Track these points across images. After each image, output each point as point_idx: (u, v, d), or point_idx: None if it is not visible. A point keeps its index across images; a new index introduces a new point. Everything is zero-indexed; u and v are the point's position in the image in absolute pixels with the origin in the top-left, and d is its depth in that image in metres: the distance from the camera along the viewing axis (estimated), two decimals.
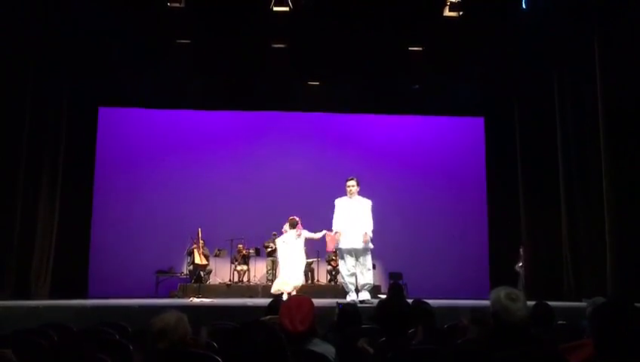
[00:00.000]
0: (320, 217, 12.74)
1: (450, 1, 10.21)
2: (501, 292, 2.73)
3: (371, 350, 3.42)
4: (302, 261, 9.64)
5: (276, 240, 10.04)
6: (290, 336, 2.75)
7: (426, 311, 4.08)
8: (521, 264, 11.58)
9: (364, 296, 8.44)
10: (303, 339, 2.82)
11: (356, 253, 8.56)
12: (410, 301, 4.23)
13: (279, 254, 9.73)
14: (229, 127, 13.58)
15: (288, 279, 9.21)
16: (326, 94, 12.72)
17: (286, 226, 9.55)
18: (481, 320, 4.21)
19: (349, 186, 8.72)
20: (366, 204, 8.71)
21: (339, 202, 8.78)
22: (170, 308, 2.93)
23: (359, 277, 8.57)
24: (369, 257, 8.62)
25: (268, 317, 3.79)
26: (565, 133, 10.49)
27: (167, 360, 2.76)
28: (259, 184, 12.96)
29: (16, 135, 10.05)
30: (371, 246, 8.59)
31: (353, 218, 8.53)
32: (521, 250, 11.59)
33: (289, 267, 9.30)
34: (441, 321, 4.49)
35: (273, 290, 9.34)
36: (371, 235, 8.54)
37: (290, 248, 9.38)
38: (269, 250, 12.16)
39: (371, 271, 8.72)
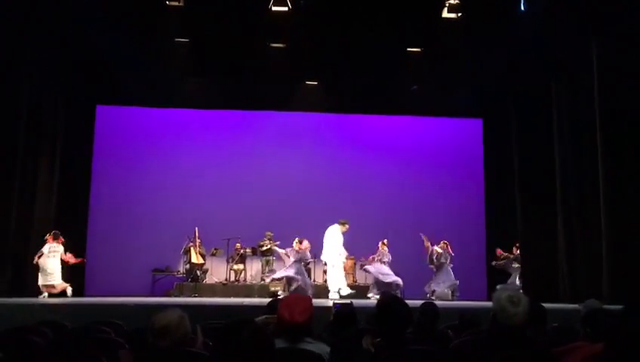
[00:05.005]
0: (317, 216, 12.79)
1: (449, 3, 10.25)
2: (504, 293, 2.71)
3: (373, 349, 3.42)
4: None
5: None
6: (287, 327, 2.75)
7: (434, 313, 4.11)
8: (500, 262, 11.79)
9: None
10: (299, 334, 2.82)
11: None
12: (411, 301, 4.24)
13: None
14: (226, 126, 13.54)
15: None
16: (324, 94, 12.73)
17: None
18: (471, 321, 4.23)
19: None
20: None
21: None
22: (169, 307, 2.91)
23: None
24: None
25: (264, 316, 3.78)
26: (562, 135, 10.49)
27: (168, 359, 2.75)
28: (255, 183, 12.93)
29: (14, 132, 10.03)
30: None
31: None
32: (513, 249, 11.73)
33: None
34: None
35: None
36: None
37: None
38: (263, 249, 12.18)
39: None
